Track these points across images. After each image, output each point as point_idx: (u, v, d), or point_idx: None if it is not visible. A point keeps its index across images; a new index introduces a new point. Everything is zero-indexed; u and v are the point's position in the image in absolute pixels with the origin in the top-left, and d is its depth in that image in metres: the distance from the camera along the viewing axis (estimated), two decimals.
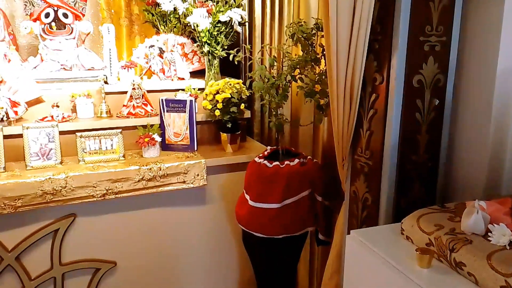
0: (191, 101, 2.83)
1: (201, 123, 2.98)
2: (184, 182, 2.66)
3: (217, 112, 2.74)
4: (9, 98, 2.66)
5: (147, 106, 2.97)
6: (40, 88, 2.79)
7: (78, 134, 2.61)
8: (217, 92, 2.76)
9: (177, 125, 2.86)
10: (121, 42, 3.68)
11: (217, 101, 2.74)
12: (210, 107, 2.79)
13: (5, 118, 2.61)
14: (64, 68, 2.98)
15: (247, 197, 2.32)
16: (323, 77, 2.04)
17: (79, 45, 3.08)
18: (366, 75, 1.75)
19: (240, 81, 2.81)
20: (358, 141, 1.84)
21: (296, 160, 2.29)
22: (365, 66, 1.72)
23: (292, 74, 2.10)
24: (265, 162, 2.27)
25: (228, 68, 3.34)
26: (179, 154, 2.81)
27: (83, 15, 3.12)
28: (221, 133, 2.87)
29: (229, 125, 2.77)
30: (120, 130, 2.70)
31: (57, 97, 2.83)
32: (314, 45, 2.19)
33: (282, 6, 3.09)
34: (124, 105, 2.93)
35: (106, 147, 2.67)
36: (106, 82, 2.96)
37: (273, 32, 3.23)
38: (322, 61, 2.19)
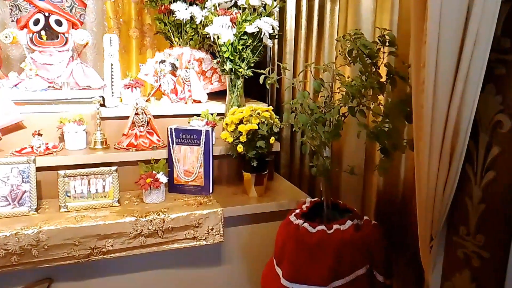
0: (207, 131, 2.19)
1: (218, 157, 2.34)
2: (194, 238, 2.01)
3: (240, 148, 2.09)
4: None
5: (152, 136, 2.35)
6: (19, 111, 2.20)
7: (61, 172, 2.00)
8: (241, 122, 2.12)
9: (189, 161, 2.22)
10: (130, 57, 3.09)
11: (240, 133, 2.10)
12: (231, 139, 2.15)
13: None
14: (53, 87, 2.39)
15: (279, 271, 1.65)
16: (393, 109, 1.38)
17: (74, 58, 2.49)
18: (482, 115, 1.09)
19: (270, 108, 2.16)
20: (461, 215, 1.16)
21: (349, 223, 1.62)
22: (480, 101, 1.06)
23: (350, 105, 1.45)
24: (306, 225, 1.61)
25: (252, 90, 2.70)
26: (190, 198, 2.17)
27: (81, 23, 2.53)
28: (244, 172, 2.22)
29: (255, 164, 2.12)
30: (115, 167, 2.08)
31: (42, 123, 2.24)
32: (378, 65, 1.54)
33: (322, 16, 2.45)
34: (124, 134, 2.32)
35: (97, 190, 2.05)
36: (103, 105, 2.35)
37: (310, 49, 2.59)
38: (387, 87, 1.53)
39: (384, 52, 1.53)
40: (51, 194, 2.06)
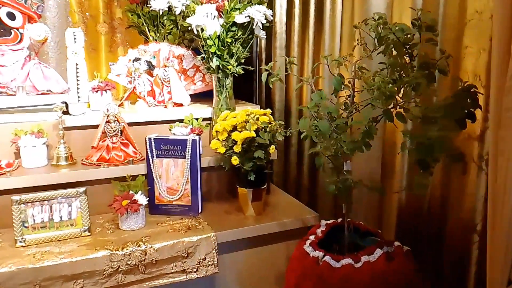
0: (193, 140, 1.84)
1: (206, 169, 1.99)
2: (184, 271, 1.66)
3: (235, 160, 1.74)
4: None
5: (128, 148, 1.97)
6: None
7: (15, 198, 1.61)
8: (234, 129, 1.77)
9: (173, 177, 1.87)
10: (98, 55, 2.69)
11: (235, 142, 1.75)
12: (223, 150, 1.80)
13: None
14: (6, 93, 1.98)
15: None
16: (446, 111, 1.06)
17: (31, 58, 2.09)
18: None
19: (268, 111, 1.82)
20: None
21: (378, 251, 1.30)
22: None
23: (388, 108, 1.12)
24: (328, 258, 1.28)
25: (236, 90, 2.35)
26: (176, 221, 1.81)
27: (39, 17, 2.13)
28: (238, 187, 1.88)
29: (252, 177, 1.78)
30: (83, 189, 1.70)
31: None
32: (413, 56, 1.22)
33: (321, 5, 2.14)
34: (93, 147, 1.94)
35: (61, 217, 1.67)
36: (66, 112, 1.97)
37: (306, 43, 2.27)
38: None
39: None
40: (5, 223, 1.67)
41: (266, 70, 1.37)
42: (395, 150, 1.61)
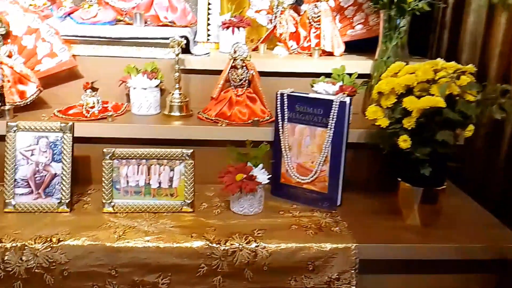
0: (342, 103, 1.28)
1: (352, 146, 1.41)
2: None
3: (405, 141, 1.14)
4: (11, 67, 1.42)
5: (255, 104, 1.50)
6: (71, 52, 1.52)
7: (108, 151, 1.27)
8: (409, 92, 1.16)
9: (307, 151, 1.35)
10: None
11: (406, 112, 1.14)
12: (385, 123, 1.20)
13: None
14: (124, 21, 1.65)
15: None
16: None
17: None
18: None
19: (471, 67, 1.15)
20: None
21: None
22: None
23: None
24: None
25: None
26: (304, 212, 1.31)
27: None
28: (400, 181, 1.28)
29: (427, 171, 1.16)
30: (191, 151, 1.29)
31: (101, 72, 1.54)
32: None
33: None
34: (212, 98, 1.51)
35: (160, 183, 1.29)
36: (187, 51, 1.57)
37: None
38: None
39: None
40: (99, 179, 1.36)
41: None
42: None
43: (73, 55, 1.51)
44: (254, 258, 1.12)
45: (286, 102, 1.34)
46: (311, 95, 1.34)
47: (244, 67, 1.48)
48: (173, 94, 1.49)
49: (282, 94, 1.34)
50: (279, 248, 1.13)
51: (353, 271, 1.15)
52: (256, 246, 1.12)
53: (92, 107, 1.45)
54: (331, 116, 1.28)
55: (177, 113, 1.49)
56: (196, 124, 1.45)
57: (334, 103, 1.28)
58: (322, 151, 1.30)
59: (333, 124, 1.28)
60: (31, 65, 1.46)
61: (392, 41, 1.47)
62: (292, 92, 1.35)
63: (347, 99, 1.29)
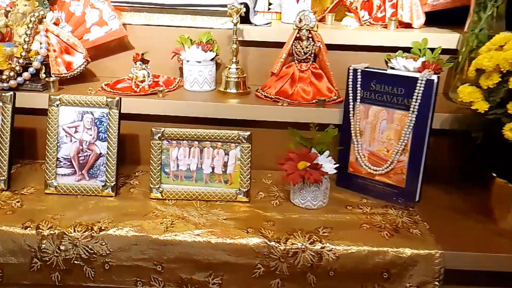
0: (429, 81, 1.06)
1: (434, 132, 1.19)
2: None
3: (511, 131, 0.92)
4: (58, 36, 1.31)
5: (320, 81, 1.31)
6: (121, 21, 1.39)
7: (157, 130, 1.14)
8: None
9: (382, 137, 1.15)
10: None
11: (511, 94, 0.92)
12: (485, 106, 0.98)
13: (43, 75, 1.30)
14: None
15: None
16: None
17: None
18: None
19: None
20: None
21: None
22: None
23: None
24: None
25: None
26: (376, 209, 1.12)
27: None
28: (496, 178, 1.06)
29: None
30: (248, 133, 1.13)
31: (153, 42, 1.41)
32: None
33: None
34: (273, 74, 1.34)
35: (213, 168, 1.15)
36: (245, 21, 1.39)
37: None
38: None
39: None
40: (147, 159, 1.24)
41: None
42: None
43: (123, 24, 1.38)
44: (319, 262, 0.95)
45: (359, 79, 1.14)
46: (390, 71, 1.13)
47: (310, 39, 1.29)
48: (229, 68, 1.33)
49: (355, 70, 1.15)
50: (349, 251, 0.96)
51: (436, 283, 0.95)
52: (322, 248, 0.96)
53: (142, 81, 1.32)
54: (414, 96, 1.07)
55: (233, 90, 1.33)
56: (254, 102, 1.29)
57: (419, 81, 1.06)
58: (401, 138, 1.10)
59: (416, 107, 1.07)
60: (79, 34, 1.35)
61: (487, 10, 1.24)
62: (367, 67, 1.15)
63: (435, 77, 1.07)
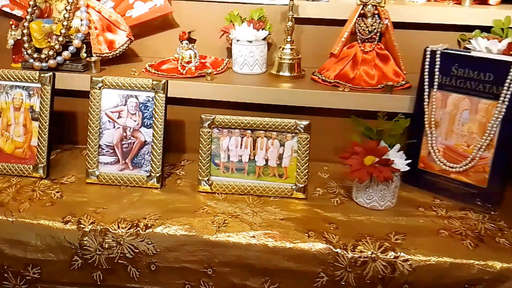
0: None
1: None
2: None
3: None
4: (99, 12, 1.21)
5: (387, 64, 1.16)
6: None
7: (206, 117, 1.02)
8: None
9: (462, 130, 0.99)
10: None
11: None
12: None
13: (84, 54, 1.20)
14: None
15: None
16: None
17: None
18: None
19: None
20: None
21: None
22: None
23: None
24: None
25: None
26: (453, 211, 0.98)
27: None
28: None
29: None
30: (306, 122, 1.01)
31: (200, 19, 1.29)
32: None
33: None
34: (332, 54, 1.19)
35: (267, 161, 1.03)
36: None
37: None
38: None
39: None
40: (193, 147, 1.13)
41: None
42: None
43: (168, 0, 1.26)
44: (392, 273, 0.83)
45: (438, 63, 0.98)
46: (477, 53, 0.97)
47: (376, 16, 1.14)
48: (283, 49, 1.20)
49: (433, 52, 0.99)
50: (427, 262, 0.82)
51: None
52: (395, 258, 0.83)
53: (189, 62, 1.20)
54: (506, 84, 0.91)
55: (287, 73, 1.20)
56: (310, 87, 1.16)
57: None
58: (487, 131, 0.95)
59: (508, 96, 0.91)
60: (122, 11, 1.24)
61: None
62: (446, 49, 0.99)
63: None
